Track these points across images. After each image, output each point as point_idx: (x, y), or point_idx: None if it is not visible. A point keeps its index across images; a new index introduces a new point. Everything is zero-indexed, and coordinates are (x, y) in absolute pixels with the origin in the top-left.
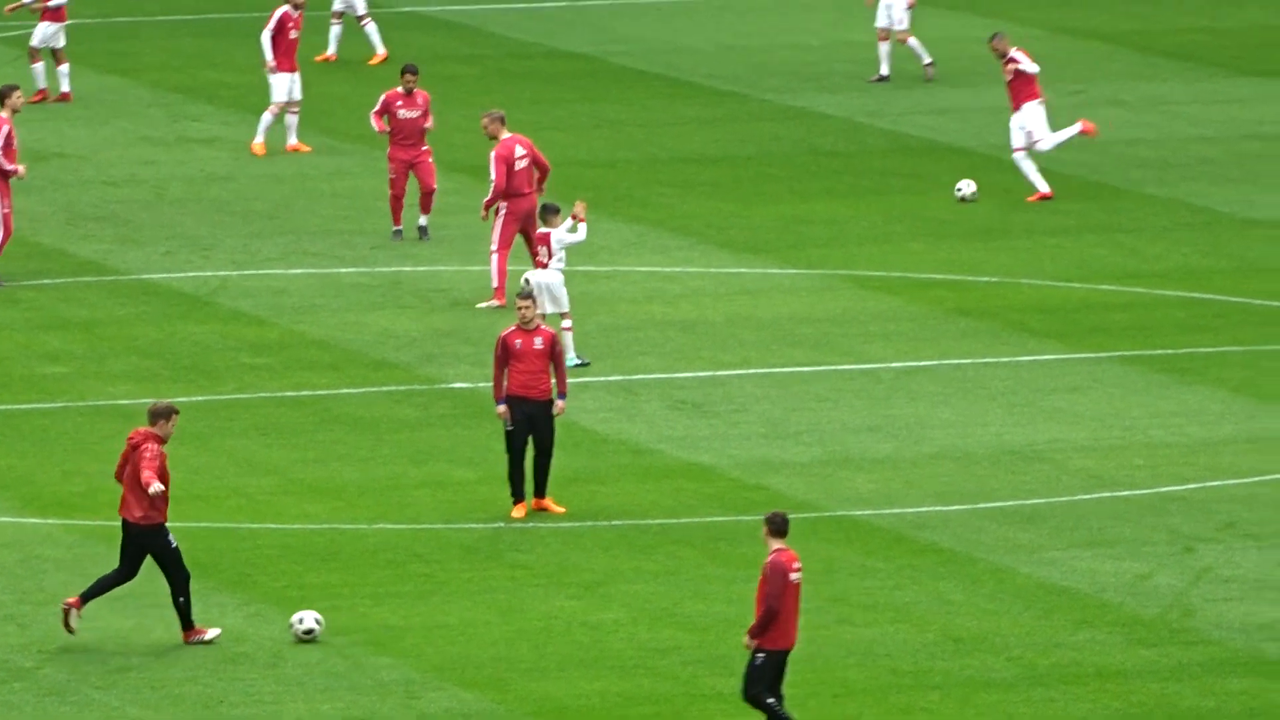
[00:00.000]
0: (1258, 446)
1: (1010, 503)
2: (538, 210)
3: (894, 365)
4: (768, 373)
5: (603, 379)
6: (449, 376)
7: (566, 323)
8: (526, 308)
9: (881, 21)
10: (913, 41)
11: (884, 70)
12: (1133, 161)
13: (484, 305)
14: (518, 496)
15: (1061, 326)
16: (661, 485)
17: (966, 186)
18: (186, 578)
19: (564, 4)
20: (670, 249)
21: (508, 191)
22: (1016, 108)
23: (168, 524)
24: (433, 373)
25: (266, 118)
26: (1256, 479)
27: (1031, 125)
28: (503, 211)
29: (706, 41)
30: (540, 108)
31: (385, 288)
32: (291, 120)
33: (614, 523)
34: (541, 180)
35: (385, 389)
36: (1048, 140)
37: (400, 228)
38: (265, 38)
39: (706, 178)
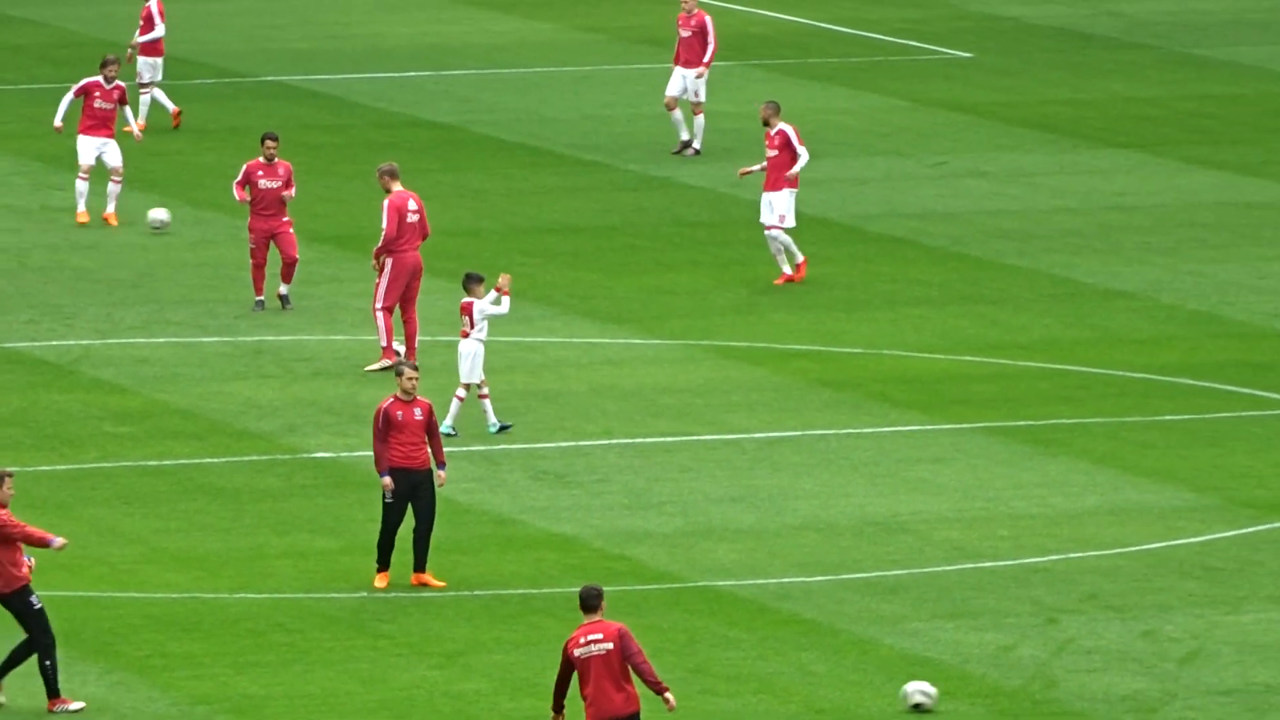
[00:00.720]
0: (1120, 518)
1: (873, 574)
2: (462, 280)
3: (757, 436)
4: (631, 443)
5: (465, 449)
6: (311, 446)
7: (484, 390)
8: (415, 379)
9: (672, 90)
10: (677, 115)
11: (684, 136)
12: (996, 233)
13: (373, 367)
14: (384, 565)
15: (925, 397)
16: (524, 555)
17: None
18: (51, 642)
19: (428, 74)
20: (533, 319)
21: (396, 244)
22: (775, 187)
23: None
24: (295, 442)
25: (79, 184)
26: (1119, 550)
27: (783, 209)
28: (389, 267)
29: (569, 111)
30: (404, 177)
31: (248, 357)
32: (113, 189)
33: (476, 593)
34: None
35: (248, 459)
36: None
37: (262, 298)
38: (65, 99)
39: (569, 247)
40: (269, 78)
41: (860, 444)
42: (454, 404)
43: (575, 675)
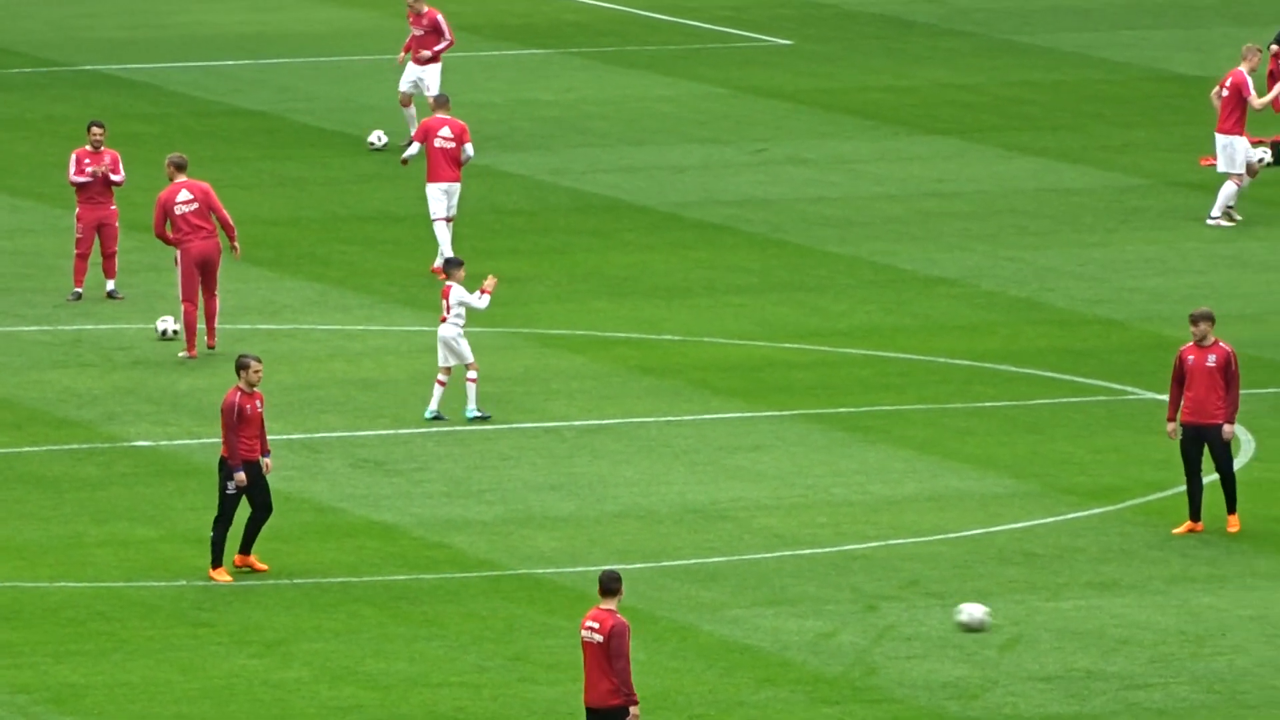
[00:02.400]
0: (940, 505)
1: (693, 561)
2: (444, 264)
3: (577, 423)
4: (450, 431)
5: (285, 437)
6: (131, 435)
7: (472, 374)
8: (260, 371)
9: (403, 86)
10: (410, 112)
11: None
12: (816, 220)
13: (182, 355)
14: (221, 559)
15: (745, 384)
16: (344, 544)
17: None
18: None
19: (246, 62)
20: (352, 307)
21: (178, 236)
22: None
23: None
24: (115, 431)
25: None
26: (939, 537)
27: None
28: (179, 259)
29: (387, 100)
30: (223, 166)
31: (67, 346)
32: None
33: (296, 581)
34: (230, 235)
35: (67, 447)
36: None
37: (80, 290)
38: None
39: (389, 236)
40: (86, 67)
41: (680, 431)
42: (436, 390)
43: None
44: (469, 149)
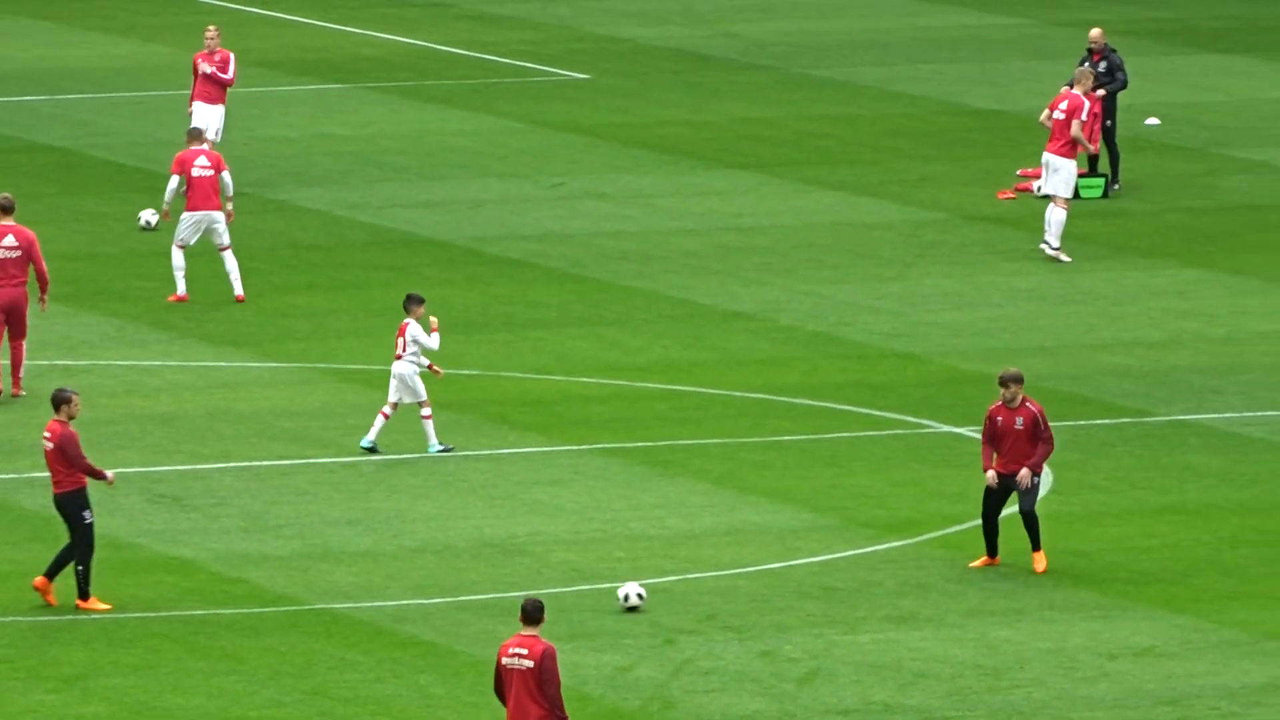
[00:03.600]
0: (738, 538)
1: (491, 595)
2: (403, 301)
3: (374, 458)
4: (247, 466)
5: None
6: None
7: (425, 411)
8: (79, 404)
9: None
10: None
11: None
12: (614, 254)
13: None
14: (88, 592)
15: (542, 419)
16: (141, 579)
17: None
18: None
19: (44, 98)
20: (149, 342)
21: None
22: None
23: None
24: None
25: None
26: (737, 571)
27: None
28: None
29: (184, 135)
30: (21, 201)
31: None
32: None
33: (93, 616)
34: (42, 289)
35: None
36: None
37: None
38: None
39: (187, 271)
40: None
41: (478, 466)
42: (378, 420)
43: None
44: (227, 177)
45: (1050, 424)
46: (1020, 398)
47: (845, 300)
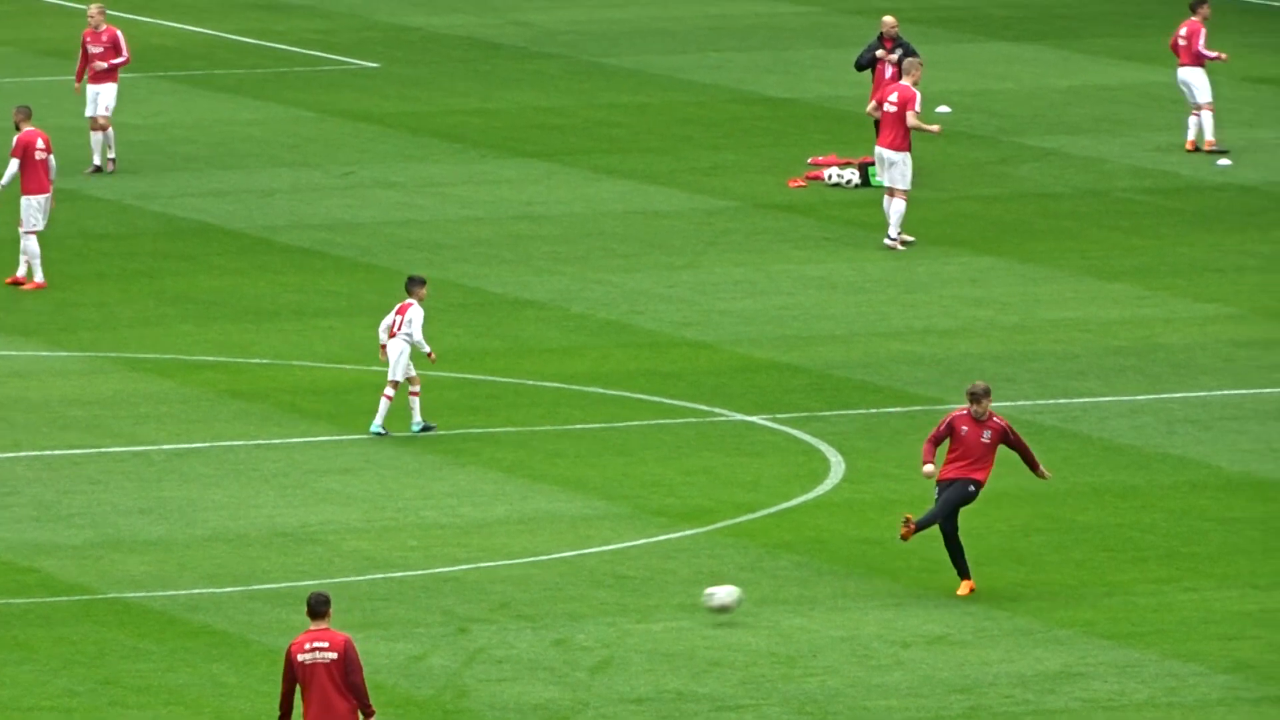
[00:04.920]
0: (530, 527)
1: (283, 584)
2: (405, 282)
3: (166, 447)
4: (38, 455)
5: None
6: None
7: (415, 387)
8: None
9: (90, 111)
10: (110, 134)
11: (96, 161)
12: (404, 243)
13: None
14: None
15: (333, 408)
16: None
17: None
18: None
19: None
20: None
21: None
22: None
23: None
24: None
25: None
26: (529, 559)
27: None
28: None
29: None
30: None
31: None
32: None
33: None
34: None
35: None
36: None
37: None
38: None
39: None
40: None
41: (270, 455)
42: (383, 403)
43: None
44: (53, 160)
45: (844, 411)
46: (988, 412)
47: (636, 289)
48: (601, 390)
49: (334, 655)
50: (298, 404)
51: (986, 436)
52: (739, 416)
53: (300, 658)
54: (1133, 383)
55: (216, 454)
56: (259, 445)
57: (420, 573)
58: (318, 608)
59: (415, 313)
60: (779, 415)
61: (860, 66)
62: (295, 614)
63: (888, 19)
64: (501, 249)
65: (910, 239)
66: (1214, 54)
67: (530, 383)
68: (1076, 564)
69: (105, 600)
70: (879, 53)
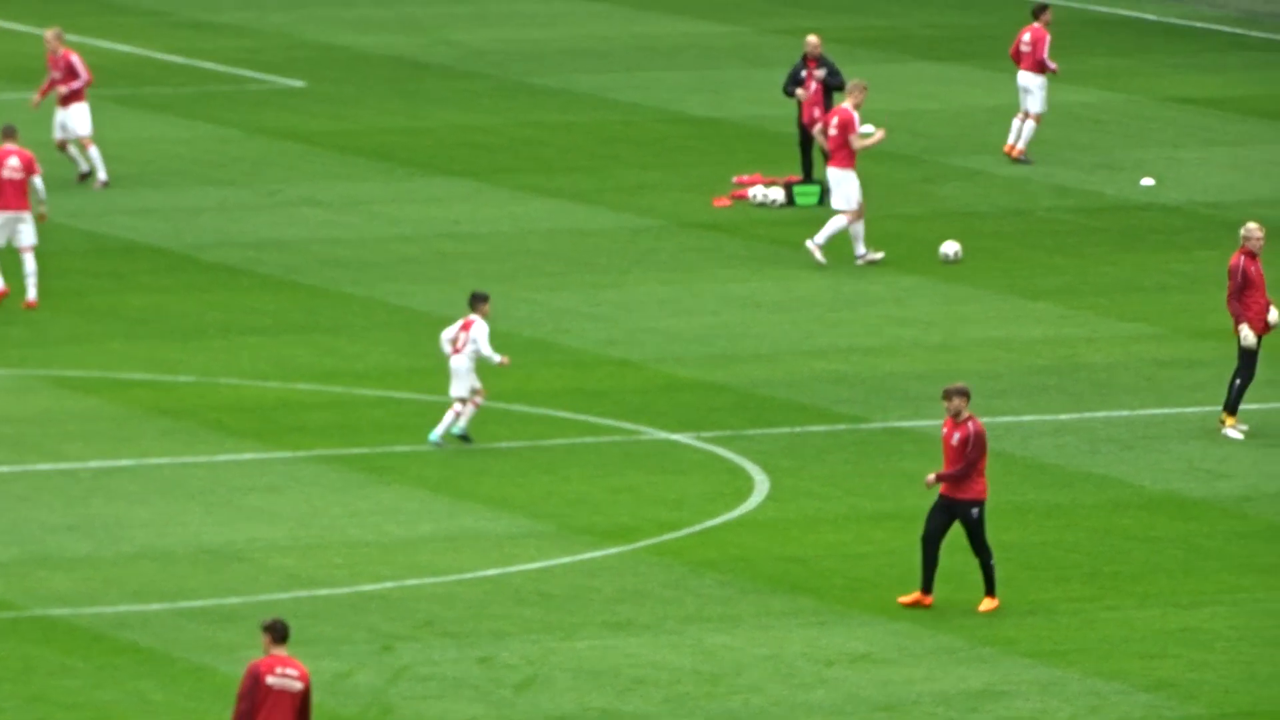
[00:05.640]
0: (455, 544)
1: (209, 601)
2: (469, 298)
3: (93, 465)
4: None
5: None
6: None
7: (478, 399)
8: None
9: (58, 134)
10: (93, 151)
11: (93, 171)
12: (331, 261)
13: None
14: None
15: (260, 426)
16: None
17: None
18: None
19: None
20: None
21: None
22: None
23: None
24: None
25: None
26: (454, 577)
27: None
28: None
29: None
30: None
31: None
32: None
33: None
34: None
35: None
36: None
37: None
38: None
39: None
40: None
41: (196, 472)
42: (449, 415)
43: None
44: (38, 180)
45: (768, 430)
46: (965, 412)
47: (562, 307)
48: (527, 408)
49: (300, 686)
50: (224, 421)
51: (956, 439)
52: (664, 435)
53: (270, 680)
54: (1056, 402)
55: (143, 471)
56: (185, 463)
57: (346, 590)
58: (286, 632)
59: (480, 329)
60: (704, 433)
61: (788, 91)
62: (221, 632)
63: (811, 39)
64: (428, 267)
65: (878, 255)
66: (1054, 65)
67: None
68: (1000, 582)
69: (32, 617)
70: (803, 74)
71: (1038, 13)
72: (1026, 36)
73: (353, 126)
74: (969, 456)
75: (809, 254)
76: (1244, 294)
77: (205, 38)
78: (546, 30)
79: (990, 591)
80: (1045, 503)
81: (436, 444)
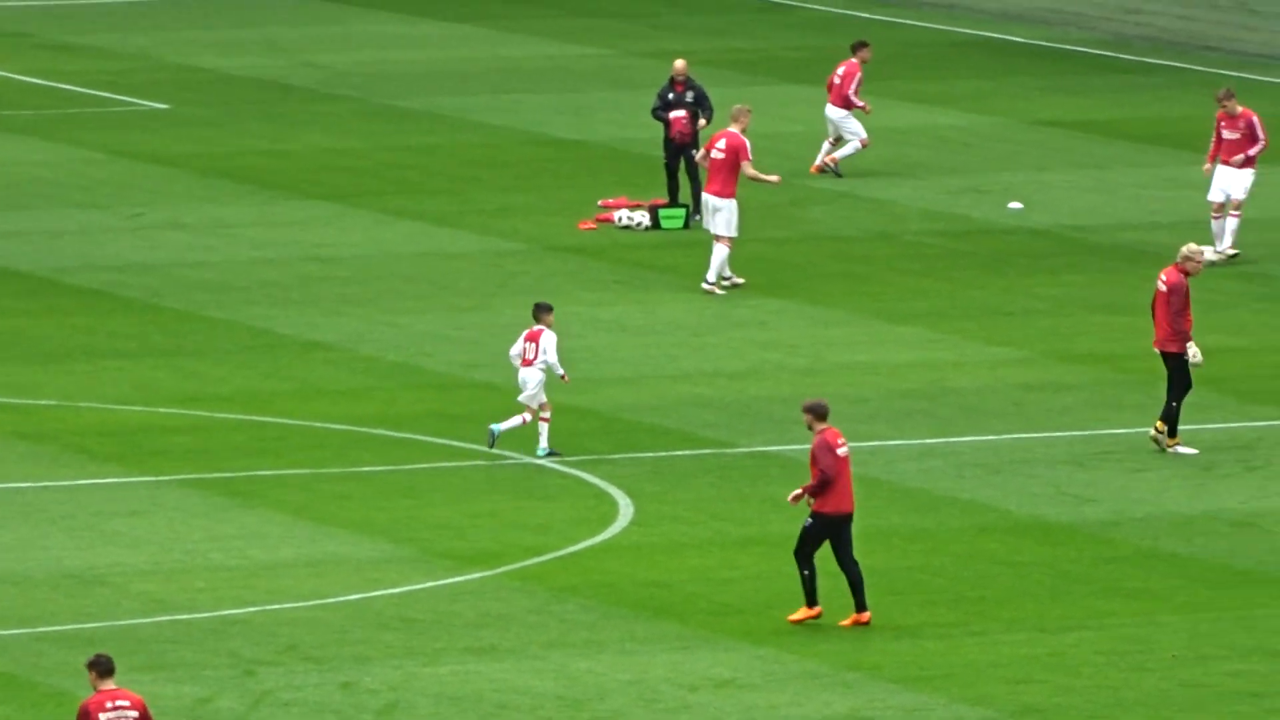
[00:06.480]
0: (317, 569)
1: (70, 626)
2: (532, 309)
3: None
4: None
5: None
6: None
7: (546, 414)
8: None
9: None
10: None
11: None
12: (194, 284)
13: None
14: None
15: (121, 449)
16: None
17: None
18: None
19: None
20: None
21: None
22: None
23: None
24: None
25: None
26: (317, 602)
27: None
28: None
29: None
30: None
31: None
32: None
33: None
34: None
35: None
36: None
37: None
38: None
39: None
40: None
41: (57, 497)
42: (518, 420)
43: None
44: None
45: (636, 454)
46: (817, 428)
47: (425, 330)
48: (389, 432)
49: (135, 714)
50: (86, 445)
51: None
52: (527, 459)
53: (102, 717)
54: (922, 426)
55: (3, 496)
56: (47, 487)
57: (208, 615)
58: (110, 666)
59: (548, 339)
60: (568, 458)
61: (658, 115)
62: (82, 656)
63: (678, 63)
64: (291, 290)
65: (740, 280)
66: (861, 103)
67: (318, 425)
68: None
69: None
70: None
71: (856, 48)
72: (841, 70)
73: (216, 149)
74: (819, 466)
75: (708, 293)
76: (1183, 314)
77: (67, 60)
78: (410, 53)
79: (810, 603)
80: (911, 527)
81: (494, 435)
